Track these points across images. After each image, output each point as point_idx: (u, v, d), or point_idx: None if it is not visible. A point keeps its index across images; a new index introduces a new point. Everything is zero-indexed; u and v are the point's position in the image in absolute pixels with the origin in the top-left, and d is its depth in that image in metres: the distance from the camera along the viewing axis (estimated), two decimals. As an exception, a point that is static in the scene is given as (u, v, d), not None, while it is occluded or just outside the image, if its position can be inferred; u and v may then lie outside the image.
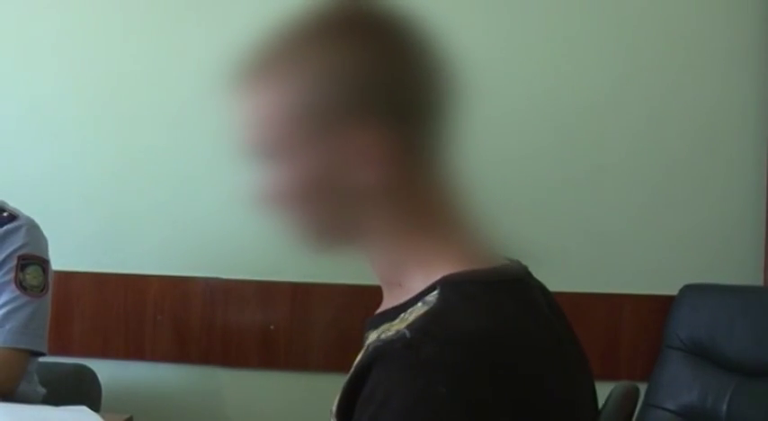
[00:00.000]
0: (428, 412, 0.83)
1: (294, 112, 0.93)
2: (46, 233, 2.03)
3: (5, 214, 1.98)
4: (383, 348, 0.87)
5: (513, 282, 0.97)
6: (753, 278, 2.47)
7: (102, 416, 1.77)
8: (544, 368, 0.92)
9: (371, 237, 0.98)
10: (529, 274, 1.04)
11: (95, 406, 2.10)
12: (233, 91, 0.97)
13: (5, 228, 1.96)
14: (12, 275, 1.93)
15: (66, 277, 2.45)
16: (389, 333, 0.89)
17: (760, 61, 2.47)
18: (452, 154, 0.99)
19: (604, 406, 1.41)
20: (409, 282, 0.96)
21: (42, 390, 2.04)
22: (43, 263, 1.99)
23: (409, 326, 0.88)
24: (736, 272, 2.47)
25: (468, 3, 2.48)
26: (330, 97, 0.92)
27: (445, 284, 0.93)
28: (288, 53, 0.94)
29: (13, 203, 2.04)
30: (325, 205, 0.96)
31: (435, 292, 0.92)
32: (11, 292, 1.93)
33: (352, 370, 0.90)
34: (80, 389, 2.22)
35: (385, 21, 0.96)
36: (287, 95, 0.94)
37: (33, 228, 2.00)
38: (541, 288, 1.05)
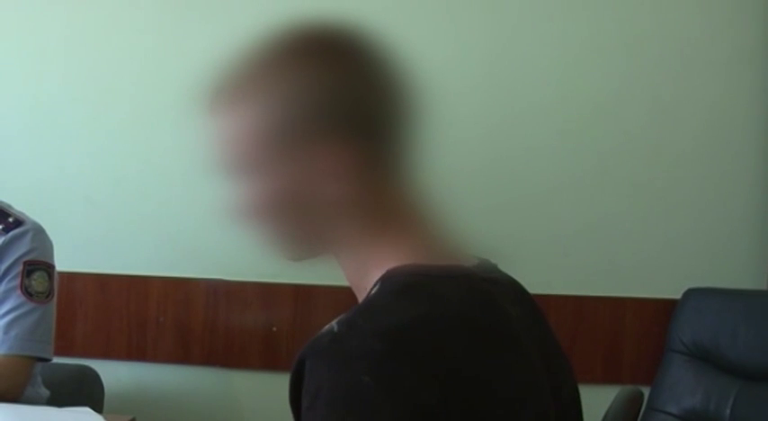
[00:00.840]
0: (354, 402, 0.86)
1: (263, 132, 0.98)
2: (49, 234, 2.02)
3: (11, 219, 1.97)
4: (314, 342, 0.92)
5: (462, 277, 0.98)
6: (756, 282, 2.47)
7: (105, 417, 1.77)
8: (482, 361, 0.93)
9: (340, 247, 1.02)
10: (495, 271, 1.05)
11: (98, 407, 2.10)
12: (205, 111, 1.02)
13: (12, 233, 1.96)
14: (18, 281, 1.93)
15: (69, 278, 2.45)
16: (323, 328, 0.93)
17: (764, 64, 2.47)
18: (418, 164, 1.02)
19: (609, 410, 1.41)
20: (370, 285, 0.99)
21: (46, 392, 2.04)
22: (49, 268, 1.98)
23: (339, 320, 0.92)
24: (739, 276, 2.46)
25: (469, 7, 2.49)
26: (296, 116, 0.97)
27: (386, 278, 0.96)
28: (257, 76, 0.99)
29: (17, 205, 2.04)
30: (294, 218, 1.00)
31: (377, 285, 0.96)
32: (17, 298, 1.92)
33: (293, 367, 0.94)
34: (83, 391, 2.22)
35: (347, 43, 1.01)
36: (256, 116, 0.98)
37: (39, 233, 1.99)
38: (513, 286, 1.06)
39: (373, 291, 0.96)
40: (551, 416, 0.99)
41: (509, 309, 1.00)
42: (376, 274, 0.98)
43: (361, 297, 1.02)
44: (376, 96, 0.99)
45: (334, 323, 0.92)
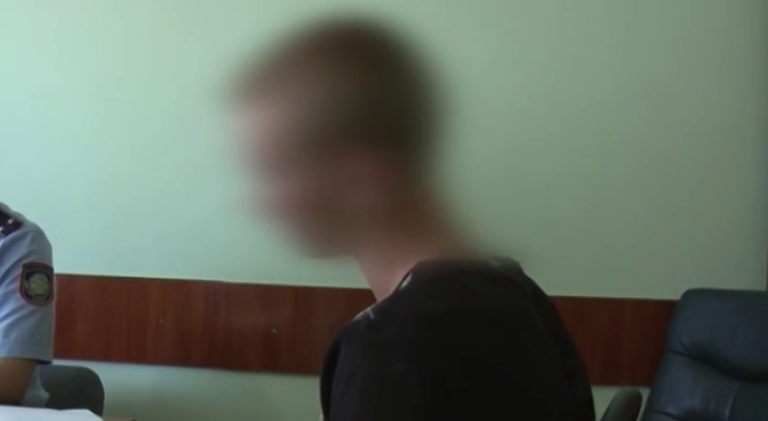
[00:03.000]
0: (388, 389, 0.87)
1: (290, 131, 0.97)
2: (49, 236, 2.02)
3: (10, 221, 1.97)
4: (349, 329, 0.91)
5: (489, 275, 0.99)
6: (755, 283, 2.47)
7: (105, 420, 1.77)
8: (512, 356, 0.94)
9: (363, 249, 1.01)
10: (517, 271, 1.06)
11: (98, 409, 2.10)
12: (229, 105, 1.00)
13: (11, 236, 1.95)
14: (17, 284, 1.93)
15: (69, 280, 2.45)
16: (358, 315, 0.93)
17: (764, 64, 2.47)
18: (445, 170, 1.02)
19: (607, 411, 1.41)
20: (395, 285, 0.99)
21: (45, 395, 2.04)
22: (48, 270, 1.98)
23: (374, 308, 0.92)
24: (738, 277, 2.46)
25: (470, 7, 2.49)
26: (326, 119, 0.95)
27: (416, 270, 0.97)
28: (284, 71, 0.97)
29: (17, 206, 2.03)
30: (318, 220, 1.00)
31: (409, 277, 0.97)
32: (16, 301, 1.92)
33: (326, 351, 0.93)
34: (83, 393, 2.22)
35: (379, 43, 0.99)
36: (283, 114, 0.97)
37: (38, 236, 1.99)
38: (532, 287, 1.07)
39: (405, 283, 0.96)
40: (569, 416, 1.00)
41: (531, 308, 1.01)
42: (401, 274, 0.98)
43: (382, 299, 1.01)
44: (408, 101, 0.98)
45: (369, 310, 0.92)
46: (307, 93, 0.96)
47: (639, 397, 1.54)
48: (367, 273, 1.03)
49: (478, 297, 0.95)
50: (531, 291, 1.06)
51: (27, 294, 1.93)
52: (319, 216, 0.99)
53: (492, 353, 0.91)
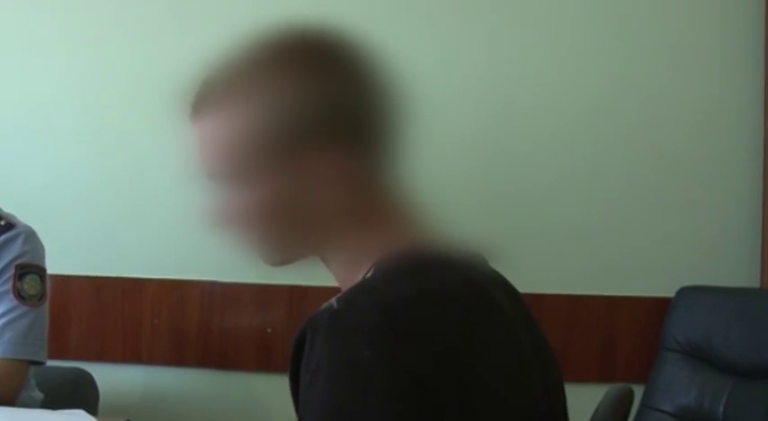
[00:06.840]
0: (354, 376, 0.88)
1: (250, 139, 0.98)
2: (43, 237, 2.02)
3: (2, 223, 1.97)
4: (314, 319, 0.93)
5: (453, 264, 1.00)
6: (749, 280, 2.47)
7: (100, 420, 1.77)
8: (477, 339, 0.95)
9: (329, 249, 1.03)
10: (483, 265, 1.07)
11: (93, 409, 2.10)
12: (188, 115, 1.02)
13: (3, 237, 1.95)
14: (10, 285, 1.92)
15: (64, 281, 2.45)
16: (323, 305, 0.94)
17: (758, 62, 2.48)
18: (406, 164, 1.03)
19: (598, 407, 1.41)
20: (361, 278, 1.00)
21: (40, 395, 2.04)
22: (41, 271, 1.98)
23: (338, 298, 0.94)
24: (732, 274, 2.47)
25: (462, 3, 2.49)
26: (285, 124, 0.97)
27: (379, 262, 0.98)
28: (239, 81, 0.99)
29: (11, 208, 2.03)
30: (283, 226, 1.01)
31: (372, 269, 0.98)
32: (9, 302, 1.92)
33: (292, 343, 0.95)
34: (77, 393, 2.21)
35: (333, 48, 1.01)
36: (240, 122, 0.98)
37: (31, 237, 1.99)
38: (500, 280, 1.08)
39: (368, 275, 0.98)
40: (540, 402, 1.00)
41: (498, 297, 1.02)
42: (366, 268, 0.99)
43: None
44: (362, 101, 0.99)
45: (333, 300, 0.93)
46: (262, 100, 0.97)
47: (631, 393, 1.55)
48: (334, 271, 1.05)
49: (442, 284, 0.96)
50: (500, 282, 1.07)
51: (20, 295, 1.92)
52: (284, 222, 1.00)
53: (456, 337, 0.93)
